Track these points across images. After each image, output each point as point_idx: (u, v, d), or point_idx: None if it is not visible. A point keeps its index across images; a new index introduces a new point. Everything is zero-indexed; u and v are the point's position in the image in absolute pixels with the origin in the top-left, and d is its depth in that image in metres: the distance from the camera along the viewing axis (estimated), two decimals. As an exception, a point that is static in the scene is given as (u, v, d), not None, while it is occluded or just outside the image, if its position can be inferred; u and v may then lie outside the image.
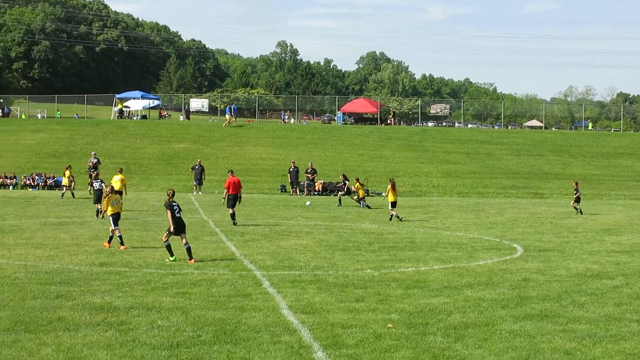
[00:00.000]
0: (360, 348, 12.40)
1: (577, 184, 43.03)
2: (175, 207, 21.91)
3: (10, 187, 54.59)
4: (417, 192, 56.63)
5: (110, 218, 24.24)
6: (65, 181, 47.64)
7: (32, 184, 55.14)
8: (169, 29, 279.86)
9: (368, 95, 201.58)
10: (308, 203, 45.25)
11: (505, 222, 35.84)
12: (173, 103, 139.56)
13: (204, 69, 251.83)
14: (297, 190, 53.80)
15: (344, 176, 47.65)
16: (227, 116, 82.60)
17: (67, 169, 47.41)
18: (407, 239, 28.19)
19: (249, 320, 14.24)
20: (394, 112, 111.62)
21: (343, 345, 12.58)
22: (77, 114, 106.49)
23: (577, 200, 41.57)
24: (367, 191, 46.72)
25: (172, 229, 21.70)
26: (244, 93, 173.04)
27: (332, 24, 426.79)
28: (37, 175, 55.95)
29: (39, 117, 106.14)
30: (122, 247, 23.85)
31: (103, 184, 33.43)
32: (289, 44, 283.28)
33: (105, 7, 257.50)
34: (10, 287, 17.13)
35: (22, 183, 55.37)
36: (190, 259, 21.39)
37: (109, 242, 24.19)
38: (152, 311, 14.87)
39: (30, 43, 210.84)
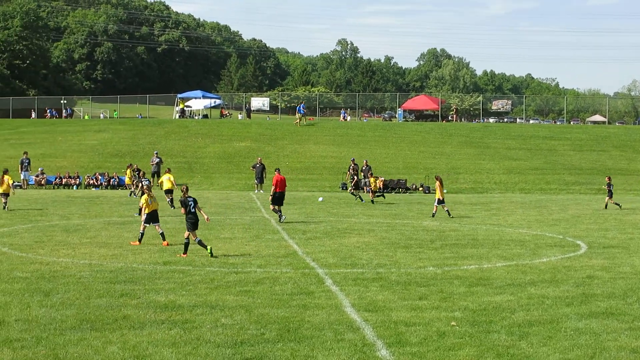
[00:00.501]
0: (423, 346, 12.35)
1: (609, 178, 42.73)
2: (190, 203, 22.43)
3: (74, 187, 55.36)
4: (478, 189, 56.22)
5: (144, 215, 24.78)
6: (127, 180, 48.18)
7: (96, 183, 55.84)
8: (230, 29, 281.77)
9: (429, 92, 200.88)
10: (320, 199, 45.35)
11: (568, 219, 35.43)
12: (234, 102, 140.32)
13: (265, 68, 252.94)
14: (358, 188, 53.72)
15: (354, 167, 47.70)
16: (297, 115, 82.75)
17: (128, 167, 47.90)
18: (469, 236, 28.01)
19: (312, 318, 14.27)
20: (455, 109, 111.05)
21: (407, 343, 12.54)
22: (139, 114, 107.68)
23: (610, 194, 41.48)
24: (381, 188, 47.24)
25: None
26: (304, 91, 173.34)
27: (392, 21, 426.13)
28: (100, 174, 56.64)
29: (102, 117, 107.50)
30: (134, 243, 24.67)
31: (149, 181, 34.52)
32: (349, 42, 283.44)
33: (167, 8, 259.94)
34: (75, 285, 17.37)
35: (86, 183, 56.10)
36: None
37: (138, 240, 24.81)
38: (215, 309, 14.97)
39: (93, 45, 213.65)
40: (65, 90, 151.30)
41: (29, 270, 19.25)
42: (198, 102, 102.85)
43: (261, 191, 52.11)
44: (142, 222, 24.90)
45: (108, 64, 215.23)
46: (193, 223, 22.33)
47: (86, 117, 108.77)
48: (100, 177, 56.23)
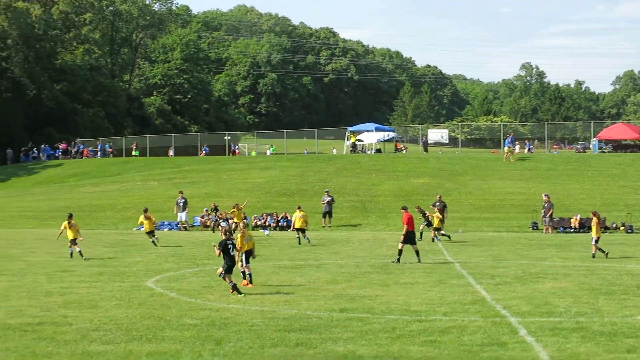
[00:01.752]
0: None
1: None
2: (230, 247, 23.91)
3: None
4: (689, 228, 54.18)
5: (243, 255, 25.53)
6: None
7: (264, 224, 56.91)
8: (402, 55, 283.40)
9: (627, 120, 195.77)
10: (267, 233, 45.89)
11: None
12: (409, 135, 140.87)
13: (441, 97, 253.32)
14: (550, 228, 52.83)
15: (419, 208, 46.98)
16: (505, 148, 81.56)
17: (298, 208, 48.72)
18: (682, 281, 27.07)
19: (507, 371, 14.12)
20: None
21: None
22: (306, 150, 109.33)
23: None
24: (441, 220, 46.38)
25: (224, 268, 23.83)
26: (485, 121, 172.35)
27: (582, 42, 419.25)
28: (267, 215, 57.68)
29: (268, 154, 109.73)
30: (245, 283, 25.44)
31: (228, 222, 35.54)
32: (534, 66, 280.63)
33: (333, 35, 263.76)
34: (248, 333, 17.77)
35: (253, 224, 57.22)
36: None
37: (248, 281, 25.67)
38: (399, 361, 15.02)
39: (256, 76, 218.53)
40: (228, 125, 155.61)
41: (199, 317, 19.83)
42: (370, 136, 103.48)
43: (442, 231, 51.90)
44: (243, 263, 25.66)
45: (272, 97, 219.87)
46: (230, 266, 23.93)
47: (253, 153, 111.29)
48: (268, 218, 57.27)
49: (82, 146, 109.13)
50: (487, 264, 32.41)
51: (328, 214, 56.07)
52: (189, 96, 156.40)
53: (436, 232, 45.72)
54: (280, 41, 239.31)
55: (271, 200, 63.31)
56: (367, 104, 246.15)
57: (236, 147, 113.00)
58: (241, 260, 25.58)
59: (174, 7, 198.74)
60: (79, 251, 35.37)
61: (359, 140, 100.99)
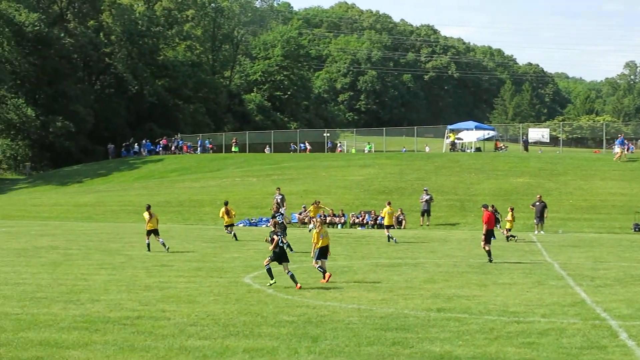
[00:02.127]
0: None
1: None
2: (279, 237, 24.52)
3: (339, 226, 56.66)
4: None
5: (317, 251, 26.13)
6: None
7: (361, 222, 56.95)
8: (503, 53, 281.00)
9: None
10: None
11: None
12: (509, 133, 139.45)
13: (543, 95, 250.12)
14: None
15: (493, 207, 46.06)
16: (617, 149, 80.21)
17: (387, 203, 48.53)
18: None
19: (606, 376, 13.90)
20: None
21: None
22: (403, 147, 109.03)
23: None
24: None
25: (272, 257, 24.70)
26: (587, 120, 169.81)
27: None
28: (365, 212, 57.68)
29: (366, 151, 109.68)
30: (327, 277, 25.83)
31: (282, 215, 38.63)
32: (638, 64, 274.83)
33: (434, 32, 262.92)
34: (344, 331, 17.80)
35: (351, 222, 57.29)
36: (296, 285, 24.37)
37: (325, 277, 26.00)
38: (497, 362, 14.90)
39: (356, 73, 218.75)
40: (327, 122, 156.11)
41: (296, 314, 19.93)
42: (470, 134, 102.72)
43: (542, 232, 51.32)
44: (314, 259, 26.44)
45: (372, 94, 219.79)
46: (279, 255, 24.84)
47: (352, 150, 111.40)
48: (366, 216, 57.27)
49: (180, 142, 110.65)
50: (587, 266, 31.93)
51: (426, 212, 55.89)
52: (288, 93, 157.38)
53: (508, 233, 45.51)
54: (380, 38, 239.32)
55: (369, 198, 63.25)
56: (467, 102, 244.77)
57: (339, 145, 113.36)
58: (314, 257, 26.38)
59: (275, 4, 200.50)
60: (162, 242, 35.95)
61: (458, 138, 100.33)
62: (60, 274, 27.49)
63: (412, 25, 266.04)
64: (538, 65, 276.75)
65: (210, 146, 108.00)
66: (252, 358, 15.34)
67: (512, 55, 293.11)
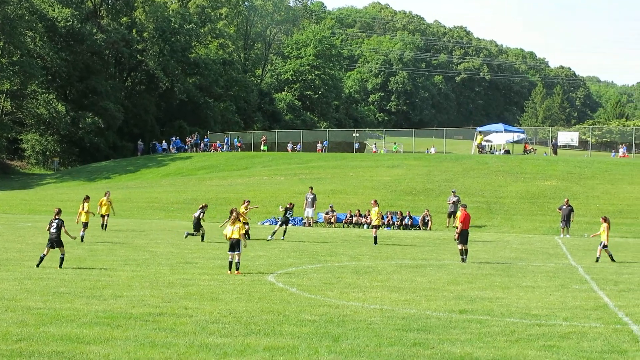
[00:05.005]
0: None
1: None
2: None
3: (365, 226, 56.64)
4: None
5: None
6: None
7: (388, 223, 56.93)
8: (535, 56, 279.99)
9: None
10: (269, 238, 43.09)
11: None
12: (538, 136, 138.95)
13: (573, 99, 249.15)
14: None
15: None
16: None
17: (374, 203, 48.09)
18: None
19: (625, 381, 13.85)
20: None
21: None
22: (427, 149, 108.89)
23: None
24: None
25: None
26: (618, 125, 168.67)
27: None
28: (391, 213, 57.67)
29: (393, 151, 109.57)
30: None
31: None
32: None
33: (467, 34, 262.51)
34: (365, 331, 17.81)
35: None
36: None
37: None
38: (516, 365, 14.87)
39: (387, 74, 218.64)
40: (357, 122, 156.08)
41: (318, 313, 19.96)
42: (499, 137, 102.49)
43: (567, 235, 51.14)
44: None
45: (403, 95, 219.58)
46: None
47: (381, 151, 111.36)
48: (392, 216, 57.26)
49: (206, 139, 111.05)
50: (611, 270, 31.78)
51: (453, 214, 55.75)
52: (319, 92, 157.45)
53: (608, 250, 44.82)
54: (413, 39, 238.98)
55: (396, 198, 63.21)
56: (497, 104, 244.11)
57: (373, 145, 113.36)
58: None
59: (309, 4, 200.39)
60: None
61: (487, 140, 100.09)
62: (84, 269, 27.66)
63: (444, 27, 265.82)
64: (570, 69, 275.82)
65: (240, 144, 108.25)
66: (273, 356, 15.37)
67: (544, 58, 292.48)
